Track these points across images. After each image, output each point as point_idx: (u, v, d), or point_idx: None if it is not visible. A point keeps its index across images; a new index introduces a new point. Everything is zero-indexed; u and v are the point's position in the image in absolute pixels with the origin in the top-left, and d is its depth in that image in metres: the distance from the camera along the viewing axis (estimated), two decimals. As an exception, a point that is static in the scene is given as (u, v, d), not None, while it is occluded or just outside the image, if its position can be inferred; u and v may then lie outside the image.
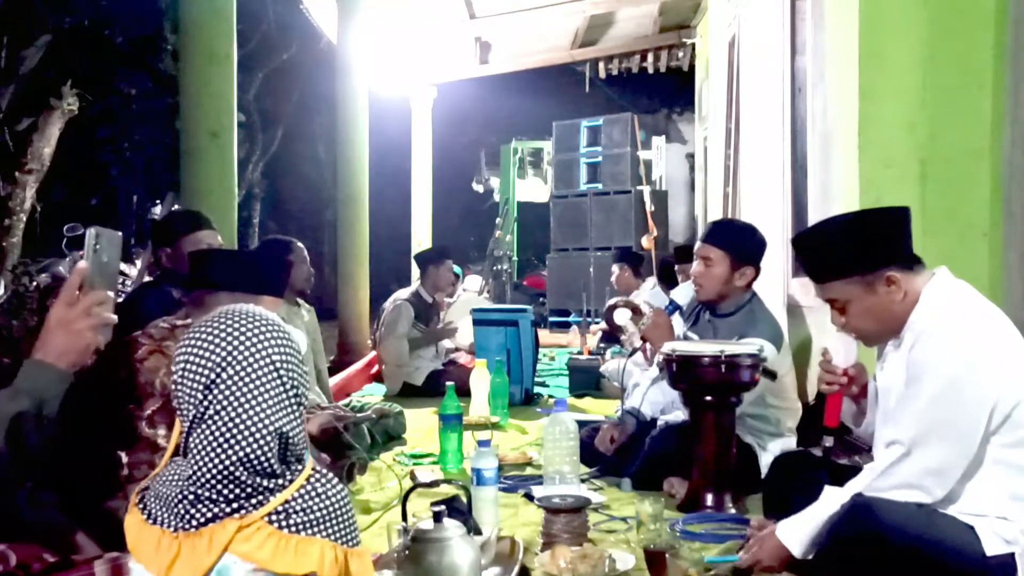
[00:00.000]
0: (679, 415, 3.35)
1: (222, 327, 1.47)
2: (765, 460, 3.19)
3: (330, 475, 1.50)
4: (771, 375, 3.09)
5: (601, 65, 11.76)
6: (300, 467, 1.48)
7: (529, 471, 3.61)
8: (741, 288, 3.37)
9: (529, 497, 3.15)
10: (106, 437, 2.40)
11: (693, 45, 10.92)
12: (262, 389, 1.45)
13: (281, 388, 1.47)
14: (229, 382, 1.43)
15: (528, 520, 2.90)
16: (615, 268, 7.09)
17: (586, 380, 5.76)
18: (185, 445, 1.47)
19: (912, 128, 3.47)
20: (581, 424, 3.39)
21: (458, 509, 1.88)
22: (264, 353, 1.46)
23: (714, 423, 2.99)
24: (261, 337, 1.47)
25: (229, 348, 1.45)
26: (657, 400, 3.58)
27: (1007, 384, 2.00)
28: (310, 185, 19.43)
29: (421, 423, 4.58)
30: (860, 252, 2.15)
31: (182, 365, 1.45)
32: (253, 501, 1.42)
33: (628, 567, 2.36)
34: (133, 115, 15.03)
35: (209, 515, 1.41)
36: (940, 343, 2.04)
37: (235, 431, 1.42)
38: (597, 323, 7.76)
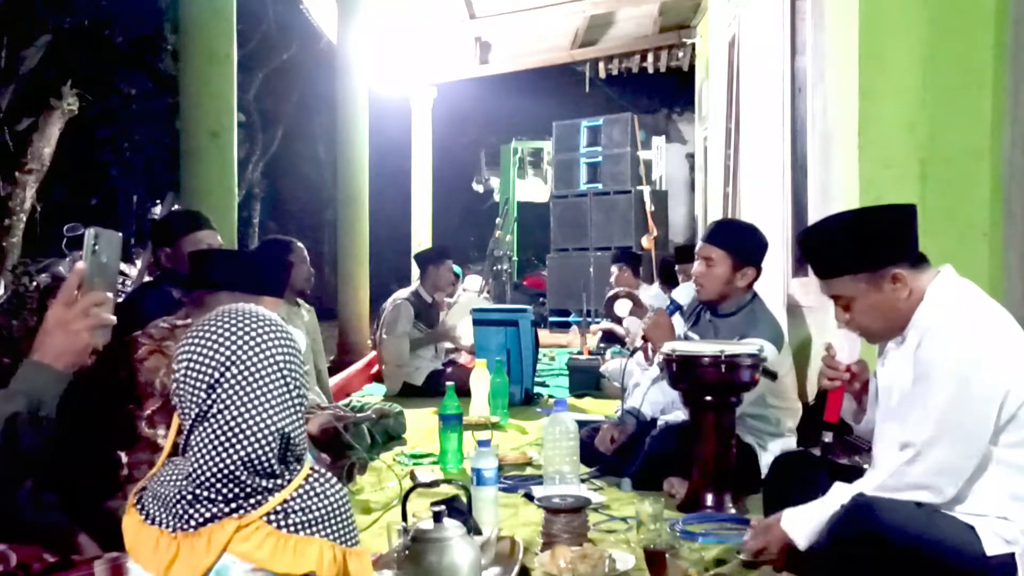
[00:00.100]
0: (679, 415, 3.35)
1: (226, 326, 1.46)
2: (765, 460, 3.19)
3: (329, 475, 1.50)
4: (771, 375, 3.09)
5: (601, 65, 11.76)
6: (299, 467, 1.48)
7: (529, 471, 3.61)
8: (742, 288, 3.37)
9: (529, 497, 3.15)
10: (106, 437, 2.40)
11: (693, 45, 10.92)
12: (265, 389, 1.45)
13: (284, 388, 1.47)
14: (233, 381, 1.43)
15: (528, 520, 2.90)
16: (614, 269, 7.09)
17: (586, 380, 5.77)
18: (185, 444, 1.47)
19: (912, 128, 3.47)
20: (581, 424, 3.39)
21: (458, 509, 1.88)
22: (268, 353, 1.46)
23: (714, 423, 2.99)
24: (265, 337, 1.47)
25: (233, 348, 1.45)
26: (657, 400, 3.58)
27: (1013, 381, 2.00)
28: (310, 185, 19.43)
29: (421, 423, 4.58)
30: (867, 249, 2.14)
31: (185, 363, 1.45)
32: (252, 501, 1.42)
33: (628, 567, 2.36)
34: (133, 115, 15.03)
35: (208, 515, 1.41)
36: (947, 342, 2.03)
37: (237, 431, 1.42)
38: (597, 323, 7.75)
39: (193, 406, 1.45)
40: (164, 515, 1.43)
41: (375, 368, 6.72)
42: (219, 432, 1.42)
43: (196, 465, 1.42)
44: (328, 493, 1.46)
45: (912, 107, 3.47)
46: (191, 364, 1.45)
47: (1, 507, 1.84)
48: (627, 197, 10.11)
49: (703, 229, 7.69)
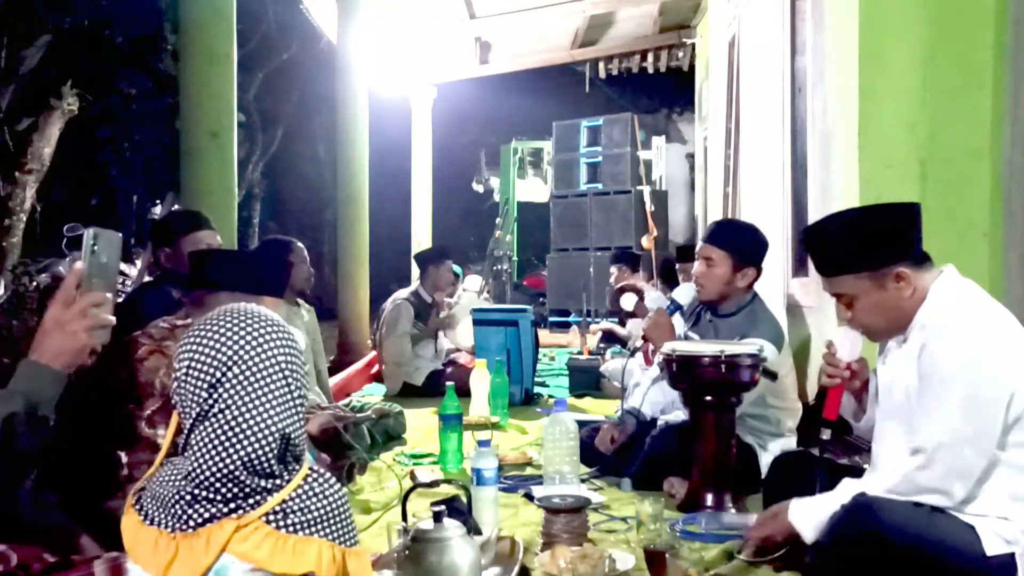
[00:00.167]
0: (679, 415, 3.35)
1: (229, 325, 1.46)
2: (765, 460, 3.19)
3: (328, 475, 1.49)
4: (772, 375, 3.09)
5: (601, 65, 11.76)
6: (298, 467, 1.48)
7: (529, 471, 3.61)
8: (743, 289, 3.37)
9: (529, 497, 3.15)
10: (106, 437, 2.40)
11: (693, 45, 10.92)
12: (267, 390, 1.45)
13: (285, 389, 1.47)
14: (235, 381, 1.43)
15: (528, 520, 2.89)
16: (613, 270, 7.09)
17: (586, 380, 5.77)
18: (185, 443, 1.47)
19: (912, 128, 3.47)
20: (581, 424, 3.39)
21: (458, 509, 1.88)
22: (270, 354, 1.46)
23: (714, 423, 2.99)
24: (267, 337, 1.47)
25: (235, 348, 1.44)
26: (657, 400, 3.58)
27: (1018, 382, 2.00)
28: (310, 185, 19.43)
29: (421, 423, 4.58)
30: (871, 248, 2.13)
31: (187, 362, 1.45)
32: (251, 501, 1.42)
33: (628, 567, 2.36)
34: (133, 115, 15.02)
35: (206, 515, 1.41)
36: (953, 345, 2.03)
37: (238, 431, 1.42)
38: (597, 323, 7.76)
39: (194, 405, 1.44)
40: (163, 515, 1.42)
41: (375, 368, 6.72)
42: (220, 432, 1.42)
43: (196, 465, 1.42)
44: (327, 493, 1.46)
45: (912, 107, 3.47)
46: (192, 363, 1.45)
47: (2, 507, 1.84)
48: (627, 197, 10.11)
49: (703, 229, 7.69)
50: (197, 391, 1.44)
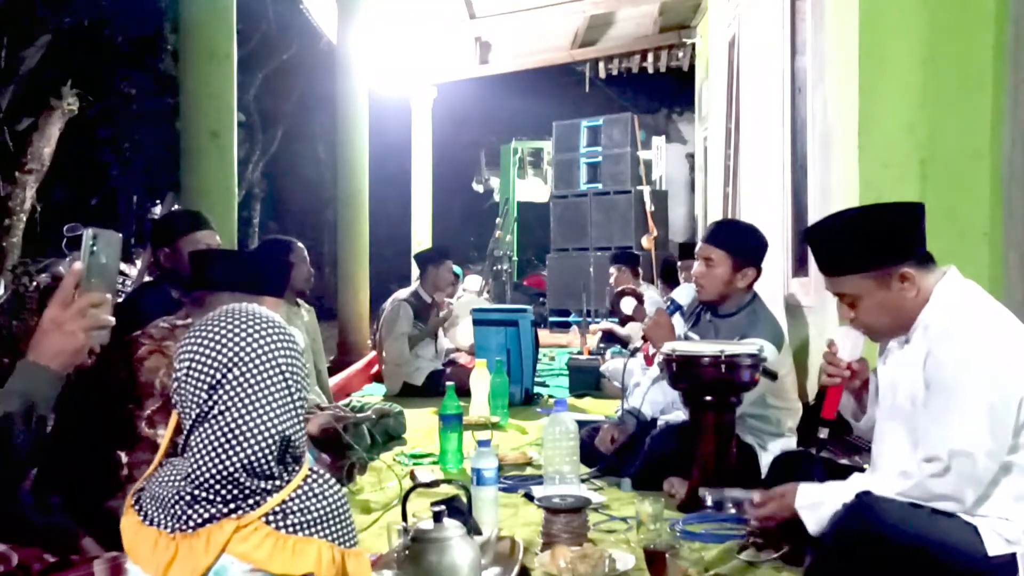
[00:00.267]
0: (679, 415, 3.35)
1: (229, 326, 1.46)
2: (765, 460, 3.19)
3: (327, 475, 1.49)
4: (772, 375, 3.09)
5: (601, 65, 11.76)
6: (298, 468, 1.47)
7: (529, 471, 3.61)
8: (742, 289, 3.37)
9: (529, 497, 3.15)
10: (106, 437, 2.40)
11: (693, 45, 10.92)
12: (267, 392, 1.44)
13: (286, 390, 1.47)
14: (235, 383, 1.43)
15: (528, 520, 2.89)
16: (613, 270, 7.09)
17: (586, 380, 5.77)
18: (184, 444, 1.47)
19: (912, 128, 3.47)
20: (581, 424, 3.39)
21: (458, 509, 1.87)
22: (271, 355, 1.46)
23: (714, 423, 2.99)
24: (268, 339, 1.47)
25: (236, 349, 1.44)
26: (657, 400, 3.58)
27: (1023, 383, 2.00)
28: (310, 185, 19.43)
29: (421, 423, 4.58)
30: (876, 248, 2.12)
31: (187, 363, 1.45)
32: (250, 502, 1.42)
33: (628, 567, 2.36)
34: (133, 115, 15.04)
35: (206, 516, 1.40)
36: (961, 351, 2.01)
37: (238, 433, 1.42)
38: (597, 323, 7.76)
39: (194, 406, 1.44)
40: (162, 516, 1.42)
41: (375, 368, 6.72)
42: (219, 434, 1.42)
43: (195, 466, 1.42)
44: (327, 494, 1.46)
45: (912, 107, 3.46)
46: (193, 364, 1.44)
47: (4, 508, 1.84)
48: (627, 197, 10.11)
49: (703, 229, 7.69)
50: (197, 392, 1.43)
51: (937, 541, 1.98)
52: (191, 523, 1.40)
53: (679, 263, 6.01)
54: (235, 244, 4.62)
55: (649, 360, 3.59)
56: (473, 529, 1.86)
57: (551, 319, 10.47)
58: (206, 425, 1.43)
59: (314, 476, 1.47)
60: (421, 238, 11.17)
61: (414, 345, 5.84)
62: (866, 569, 1.99)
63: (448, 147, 16.44)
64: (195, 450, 1.43)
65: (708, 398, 3.00)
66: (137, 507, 1.46)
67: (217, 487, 1.41)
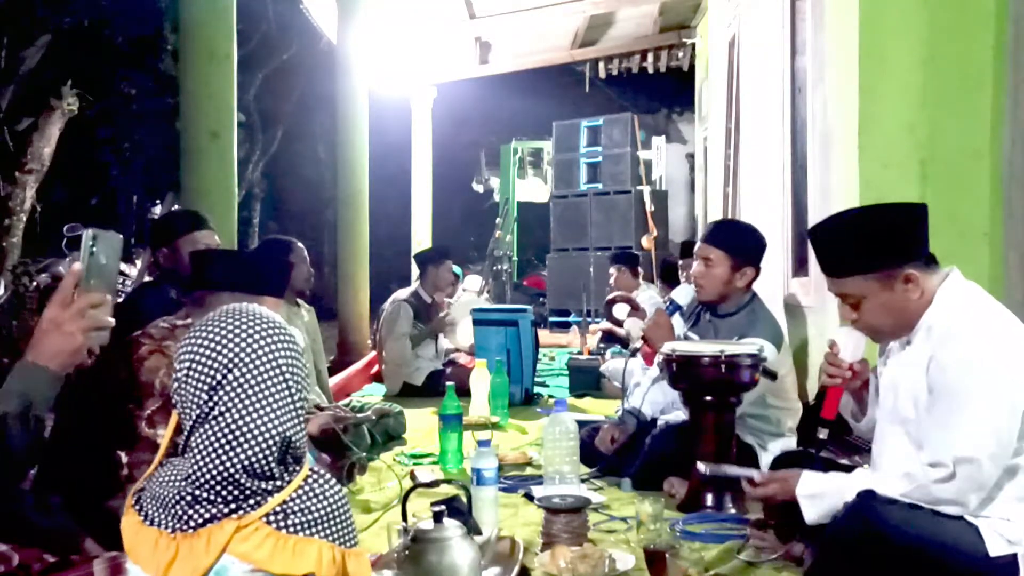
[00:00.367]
0: (679, 415, 3.35)
1: (230, 327, 1.46)
2: (765, 460, 3.19)
3: (328, 476, 1.49)
4: (771, 375, 3.09)
5: (601, 65, 11.76)
6: (298, 468, 1.47)
7: (529, 471, 3.61)
8: (741, 288, 3.37)
9: (529, 497, 3.15)
10: (106, 437, 2.40)
11: (693, 45, 10.92)
12: (267, 393, 1.44)
13: (286, 391, 1.46)
14: (235, 384, 1.43)
15: (528, 520, 2.89)
16: (612, 271, 7.09)
17: (586, 380, 5.76)
18: (185, 444, 1.47)
19: (912, 128, 3.47)
20: (581, 424, 3.39)
21: (458, 509, 1.87)
22: (271, 356, 1.46)
23: (714, 423, 2.99)
24: (269, 339, 1.47)
25: (236, 350, 1.44)
26: (657, 400, 3.58)
27: None
28: (310, 185, 19.44)
29: (421, 423, 4.58)
30: (881, 249, 2.11)
31: (187, 363, 1.45)
32: (251, 502, 1.42)
33: (628, 567, 2.36)
34: (133, 115, 15.04)
35: (207, 516, 1.40)
36: (964, 355, 2.01)
37: (239, 434, 1.42)
38: (597, 323, 7.75)
39: (194, 407, 1.44)
40: (163, 516, 1.42)
41: (375, 368, 6.72)
42: (220, 435, 1.42)
43: (196, 467, 1.42)
44: (327, 494, 1.46)
45: (912, 107, 3.46)
46: (193, 364, 1.44)
47: (4, 508, 1.84)
48: (627, 197, 10.11)
49: (703, 229, 7.68)
50: (197, 393, 1.43)
51: (938, 541, 1.97)
52: (192, 523, 1.40)
53: (680, 262, 6.01)
54: (235, 244, 4.62)
55: (649, 359, 3.59)
56: (473, 529, 1.86)
57: (551, 319, 10.47)
58: (207, 426, 1.43)
59: (315, 476, 1.47)
60: (421, 238, 11.17)
61: (415, 346, 5.84)
62: (868, 569, 1.99)
63: (448, 147, 16.44)
64: (196, 451, 1.43)
65: (708, 398, 3.00)
66: (137, 507, 1.46)
67: (218, 488, 1.41)
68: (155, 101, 14.39)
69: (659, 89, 16.28)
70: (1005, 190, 3.34)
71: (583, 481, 3.28)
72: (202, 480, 1.41)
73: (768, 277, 3.69)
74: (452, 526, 1.79)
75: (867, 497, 2.03)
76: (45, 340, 1.52)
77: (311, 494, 1.44)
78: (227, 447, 1.41)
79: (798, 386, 3.61)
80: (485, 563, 2.16)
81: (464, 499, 2.00)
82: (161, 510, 1.43)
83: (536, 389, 5.69)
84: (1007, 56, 3.32)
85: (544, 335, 8.23)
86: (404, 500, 2.09)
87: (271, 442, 1.43)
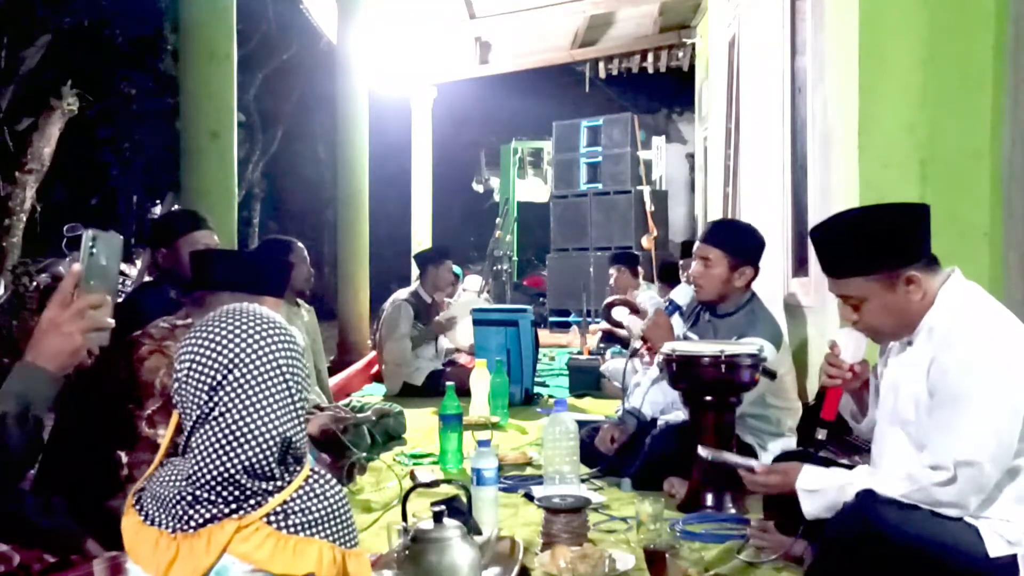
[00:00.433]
0: (679, 415, 3.35)
1: (230, 327, 1.46)
2: (765, 460, 3.18)
3: (328, 476, 1.49)
4: (771, 375, 3.09)
5: (601, 65, 11.77)
6: (299, 468, 1.47)
7: (529, 471, 3.61)
8: (740, 288, 3.37)
9: (529, 497, 3.15)
10: (106, 437, 2.40)
11: (693, 45, 10.92)
12: (267, 394, 1.44)
13: (287, 392, 1.46)
14: (235, 384, 1.43)
15: (528, 520, 2.89)
16: (612, 271, 7.09)
17: (586, 380, 5.76)
18: (185, 444, 1.47)
19: (912, 128, 3.47)
20: (581, 424, 3.39)
21: (458, 509, 1.87)
22: (271, 357, 1.46)
23: (714, 423, 2.99)
24: (269, 340, 1.46)
25: (237, 350, 1.44)
26: (657, 400, 3.58)
27: None
28: (310, 185, 19.44)
29: (421, 423, 4.58)
30: (883, 250, 2.10)
31: (188, 364, 1.44)
32: (252, 502, 1.42)
33: (628, 567, 2.36)
34: (133, 115, 15.05)
35: (207, 516, 1.40)
36: (966, 358, 2.00)
37: (239, 435, 1.41)
38: (597, 323, 7.75)
39: (195, 407, 1.44)
40: (163, 516, 1.42)
41: (375, 368, 6.72)
42: (220, 436, 1.42)
43: (196, 467, 1.42)
44: (328, 494, 1.46)
45: (912, 107, 3.46)
46: (193, 365, 1.44)
47: (6, 510, 1.84)
48: (627, 197, 10.11)
49: (702, 229, 7.68)
50: (198, 393, 1.43)
51: (938, 542, 1.97)
52: (192, 523, 1.40)
53: (680, 262, 6.01)
54: (235, 244, 4.62)
55: (649, 360, 3.59)
56: (473, 529, 1.86)
57: (551, 319, 10.47)
58: (207, 426, 1.43)
59: (315, 476, 1.47)
60: (421, 238, 11.17)
61: (415, 346, 5.84)
62: (867, 569, 1.99)
63: (448, 147, 16.44)
64: (196, 451, 1.43)
65: (708, 398, 3.00)
66: (138, 507, 1.46)
67: (218, 488, 1.41)
68: (155, 101, 14.39)
69: (659, 89, 16.29)
70: (1005, 190, 3.34)
71: (583, 481, 3.28)
72: (203, 480, 1.41)
73: (768, 277, 3.70)
74: (452, 526, 1.79)
75: (867, 497, 2.03)
76: (44, 341, 1.52)
77: (312, 494, 1.44)
78: (227, 447, 1.41)
79: (798, 386, 3.62)
80: (485, 563, 2.16)
81: (464, 499, 2.00)
82: (161, 510, 1.43)
83: (536, 389, 5.69)
84: (1007, 56, 3.32)
85: (544, 335, 8.23)
86: (404, 500, 2.10)
87: (271, 442, 1.43)
